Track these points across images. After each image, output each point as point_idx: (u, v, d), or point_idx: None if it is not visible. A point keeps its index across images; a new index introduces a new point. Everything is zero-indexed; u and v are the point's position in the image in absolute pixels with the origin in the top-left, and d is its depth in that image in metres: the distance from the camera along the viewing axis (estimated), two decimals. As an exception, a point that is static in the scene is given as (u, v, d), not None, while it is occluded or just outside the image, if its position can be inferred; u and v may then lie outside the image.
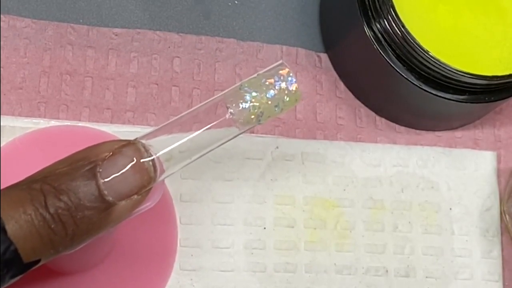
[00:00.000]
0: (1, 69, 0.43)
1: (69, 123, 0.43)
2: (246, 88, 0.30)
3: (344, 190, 0.45)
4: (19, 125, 0.41)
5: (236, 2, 0.48)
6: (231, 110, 0.30)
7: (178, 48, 0.46)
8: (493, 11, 0.43)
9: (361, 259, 0.45)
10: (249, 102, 0.30)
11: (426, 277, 0.45)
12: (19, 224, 0.25)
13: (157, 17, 0.46)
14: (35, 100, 0.43)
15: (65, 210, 0.26)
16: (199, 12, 0.47)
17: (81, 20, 0.45)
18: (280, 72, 0.31)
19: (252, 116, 0.31)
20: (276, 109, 0.31)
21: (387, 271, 0.45)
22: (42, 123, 0.42)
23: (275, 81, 0.31)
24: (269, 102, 0.31)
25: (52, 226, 0.26)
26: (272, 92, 0.31)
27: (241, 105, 0.30)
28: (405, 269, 0.45)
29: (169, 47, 0.46)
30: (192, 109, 0.31)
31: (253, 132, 0.45)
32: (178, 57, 0.46)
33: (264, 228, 0.44)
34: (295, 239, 0.44)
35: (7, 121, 0.41)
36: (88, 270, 0.40)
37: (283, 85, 0.31)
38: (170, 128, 0.30)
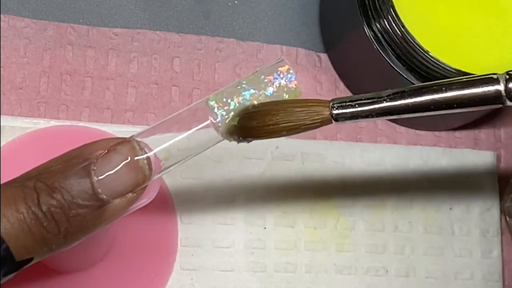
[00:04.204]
0: (1, 69, 0.43)
1: (69, 123, 0.43)
2: (244, 86, 0.30)
3: (344, 190, 0.45)
4: (19, 125, 0.41)
5: (236, 2, 0.48)
6: None
7: (178, 48, 0.46)
8: (493, 11, 0.43)
9: (361, 259, 0.45)
10: (247, 100, 0.30)
11: (426, 277, 0.45)
12: (11, 222, 0.25)
13: (157, 17, 0.46)
14: (35, 100, 0.43)
15: (58, 208, 0.26)
16: (199, 12, 0.47)
17: (81, 20, 0.45)
18: (280, 69, 0.30)
19: None
20: None
21: (387, 271, 0.45)
22: (42, 123, 0.42)
23: (274, 78, 0.30)
24: (268, 100, 0.30)
25: (45, 224, 0.26)
26: (270, 89, 0.30)
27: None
28: (405, 269, 0.45)
29: (169, 47, 0.46)
30: (190, 106, 0.30)
31: (253, 132, 0.45)
32: (178, 57, 0.46)
33: (265, 228, 0.44)
34: (295, 239, 0.44)
35: (7, 121, 0.41)
36: (88, 269, 0.40)
37: (282, 82, 0.30)
38: (167, 126, 0.30)
